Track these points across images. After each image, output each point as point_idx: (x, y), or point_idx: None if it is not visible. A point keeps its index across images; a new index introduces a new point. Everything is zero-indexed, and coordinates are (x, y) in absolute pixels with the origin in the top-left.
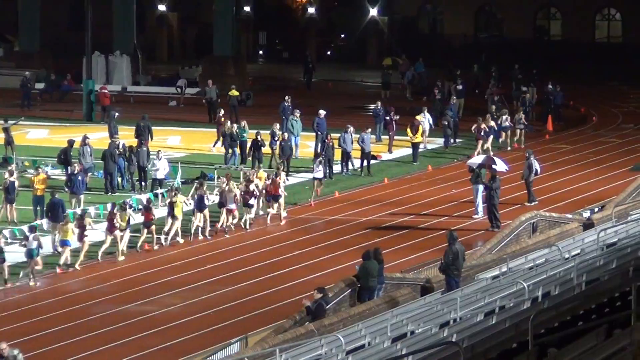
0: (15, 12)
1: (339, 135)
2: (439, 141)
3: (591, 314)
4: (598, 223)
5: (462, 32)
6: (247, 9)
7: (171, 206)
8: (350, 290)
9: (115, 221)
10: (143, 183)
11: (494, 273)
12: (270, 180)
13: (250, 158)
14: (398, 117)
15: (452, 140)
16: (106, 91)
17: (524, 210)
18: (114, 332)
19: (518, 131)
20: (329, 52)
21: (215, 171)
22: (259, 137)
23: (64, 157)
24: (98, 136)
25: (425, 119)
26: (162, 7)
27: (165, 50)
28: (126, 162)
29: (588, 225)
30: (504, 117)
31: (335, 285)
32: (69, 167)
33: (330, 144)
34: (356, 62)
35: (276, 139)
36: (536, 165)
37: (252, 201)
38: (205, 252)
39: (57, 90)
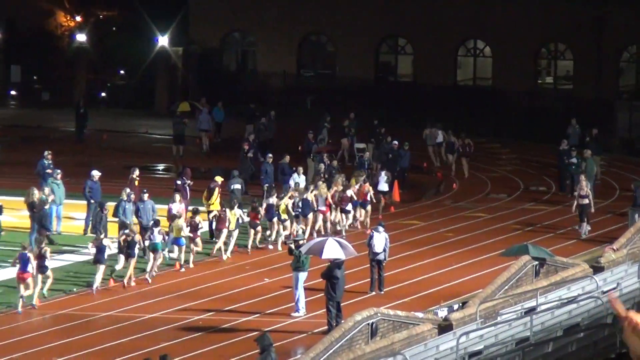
0: None
1: (114, 203)
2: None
3: None
4: (458, 325)
5: (282, 68)
6: None
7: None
8: None
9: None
10: None
11: None
12: (358, 186)
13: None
14: (192, 182)
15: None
16: None
17: (362, 306)
18: None
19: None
20: (103, 94)
21: None
22: None
23: None
24: None
25: (382, 179)
26: None
27: None
28: None
29: (445, 327)
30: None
31: None
32: None
33: (105, 212)
34: (140, 108)
35: None
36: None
37: (349, 207)
38: None
39: None
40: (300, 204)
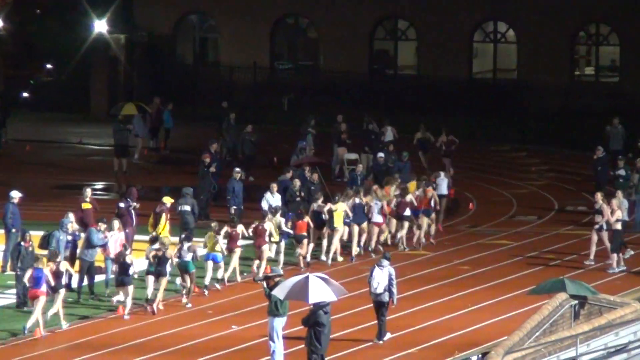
0: None
1: (41, 233)
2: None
3: None
4: None
5: (251, 60)
6: None
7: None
8: None
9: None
10: None
11: None
12: (420, 191)
13: None
14: (138, 205)
15: None
16: None
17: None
18: None
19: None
20: (26, 94)
21: None
22: None
23: None
24: None
25: (442, 182)
26: None
27: None
28: None
29: None
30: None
31: None
32: None
33: (30, 248)
34: (72, 111)
35: None
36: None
37: (407, 212)
38: None
39: None
40: (352, 211)
